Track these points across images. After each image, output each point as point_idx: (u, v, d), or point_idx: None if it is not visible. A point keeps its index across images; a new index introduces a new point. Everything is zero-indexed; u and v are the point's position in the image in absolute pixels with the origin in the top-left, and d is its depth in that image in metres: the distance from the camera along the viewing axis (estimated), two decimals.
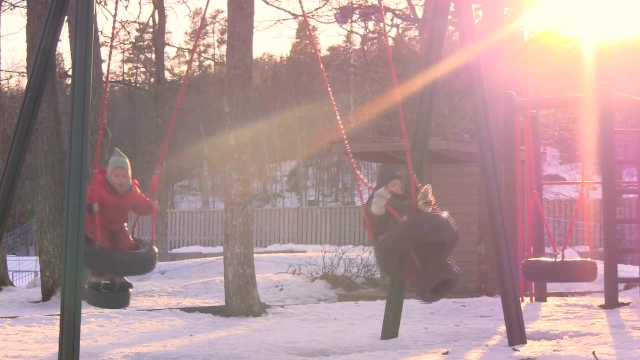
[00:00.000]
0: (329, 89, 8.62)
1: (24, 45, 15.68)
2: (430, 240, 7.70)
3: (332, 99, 8.74)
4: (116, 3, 8.39)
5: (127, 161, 7.87)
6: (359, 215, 31.96)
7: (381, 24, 30.79)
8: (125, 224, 7.87)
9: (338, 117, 8.42)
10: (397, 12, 29.26)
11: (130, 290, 7.93)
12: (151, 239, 7.87)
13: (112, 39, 9.36)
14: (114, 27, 8.32)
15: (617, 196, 13.86)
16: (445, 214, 7.77)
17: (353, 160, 8.29)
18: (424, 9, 27.00)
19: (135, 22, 34.84)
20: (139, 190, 7.96)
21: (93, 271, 7.81)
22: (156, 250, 7.82)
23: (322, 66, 9.19)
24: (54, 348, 8.06)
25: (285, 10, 39.90)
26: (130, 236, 7.84)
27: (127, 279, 7.90)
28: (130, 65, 57.39)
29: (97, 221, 7.49)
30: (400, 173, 8.37)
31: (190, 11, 69.20)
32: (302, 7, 9.17)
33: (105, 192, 7.64)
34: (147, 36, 38.68)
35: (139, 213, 7.99)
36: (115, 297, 7.84)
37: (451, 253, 7.85)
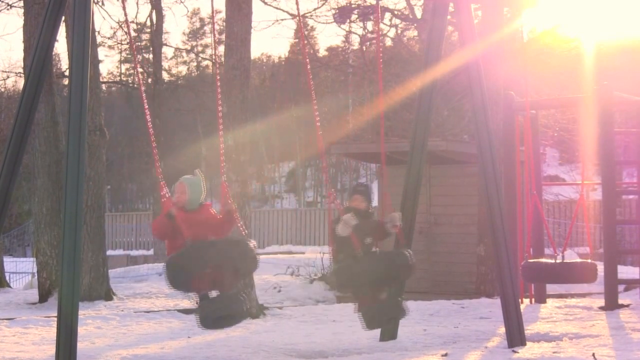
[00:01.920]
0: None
1: (21, 46, 15.60)
2: (386, 279, 7.94)
3: None
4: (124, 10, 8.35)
5: (193, 179, 7.74)
6: None
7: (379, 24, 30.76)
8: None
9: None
10: (395, 12, 29.19)
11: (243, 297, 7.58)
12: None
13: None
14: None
15: (617, 197, 13.82)
16: (406, 252, 7.97)
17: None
18: (423, 9, 26.93)
19: (132, 22, 34.74)
20: (213, 211, 7.73)
21: (199, 284, 7.33)
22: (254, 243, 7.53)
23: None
24: (51, 350, 8.03)
25: (284, 11, 39.94)
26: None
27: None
28: (127, 65, 57.32)
29: (181, 223, 7.23)
30: (363, 188, 8.33)
31: (188, 11, 69.19)
32: (298, 8, 9.14)
33: (177, 210, 7.39)
34: (145, 36, 38.58)
35: (219, 231, 7.64)
36: (230, 304, 7.39)
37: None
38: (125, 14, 8.31)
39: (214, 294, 7.39)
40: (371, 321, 8.02)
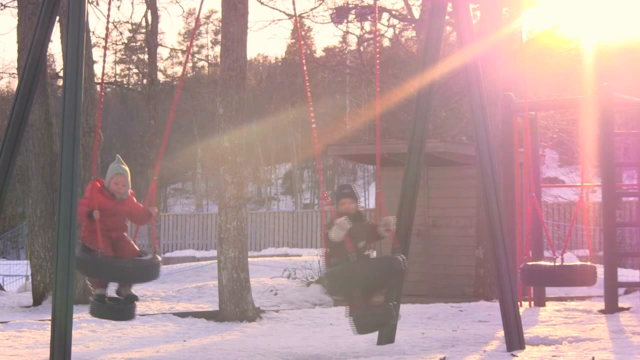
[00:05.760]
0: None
1: (15, 46, 15.59)
2: (379, 284, 7.93)
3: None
4: (109, 4, 8.26)
5: (128, 169, 7.90)
6: None
7: (377, 25, 30.74)
8: (126, 234, 7.81)
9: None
10: (393, 12, 29.17)
11: (136, 302, 7.89)
12: (153, 247, 7.78)
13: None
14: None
15: (617, 199, 13.78)
16: (399, 258, 7.81)
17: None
18: (421, 9, 26.89)
19: (127, 22, 34.69)
20: (135, 200, 7.95)
21: (97, 282, 7.76)
22: (159, 258, 7.76)
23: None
24: (45, 353, 8.01)
25: (280, 11, 39.87)
26: (133, 244, 7.74)
27: (132, 291, 7.79)
28: (122, 66, 57.32)
29: (98, 228, 7.42)
30: (349, 190, 8.07)
31: (183, 11, 69.08)
32: (294, 8, 9.03)
33: (103, 198, 7.63)
34: (140, 37, 38.50)
35: (136, 222, 7.96)
36: (121, 308, 7.78)
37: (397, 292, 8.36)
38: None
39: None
40: (362, 326, 7.89)
